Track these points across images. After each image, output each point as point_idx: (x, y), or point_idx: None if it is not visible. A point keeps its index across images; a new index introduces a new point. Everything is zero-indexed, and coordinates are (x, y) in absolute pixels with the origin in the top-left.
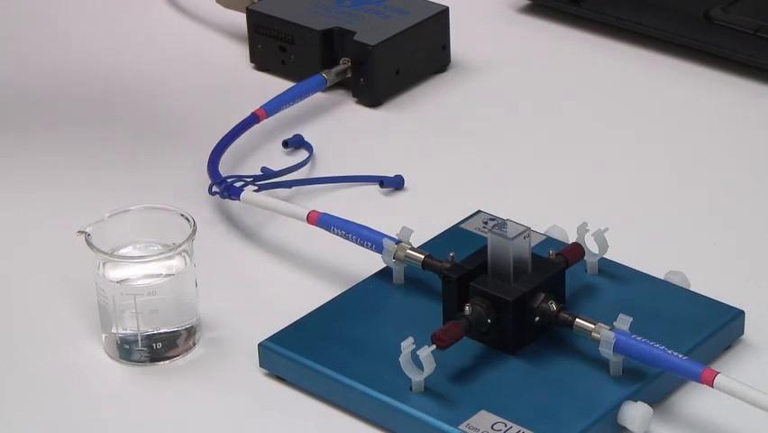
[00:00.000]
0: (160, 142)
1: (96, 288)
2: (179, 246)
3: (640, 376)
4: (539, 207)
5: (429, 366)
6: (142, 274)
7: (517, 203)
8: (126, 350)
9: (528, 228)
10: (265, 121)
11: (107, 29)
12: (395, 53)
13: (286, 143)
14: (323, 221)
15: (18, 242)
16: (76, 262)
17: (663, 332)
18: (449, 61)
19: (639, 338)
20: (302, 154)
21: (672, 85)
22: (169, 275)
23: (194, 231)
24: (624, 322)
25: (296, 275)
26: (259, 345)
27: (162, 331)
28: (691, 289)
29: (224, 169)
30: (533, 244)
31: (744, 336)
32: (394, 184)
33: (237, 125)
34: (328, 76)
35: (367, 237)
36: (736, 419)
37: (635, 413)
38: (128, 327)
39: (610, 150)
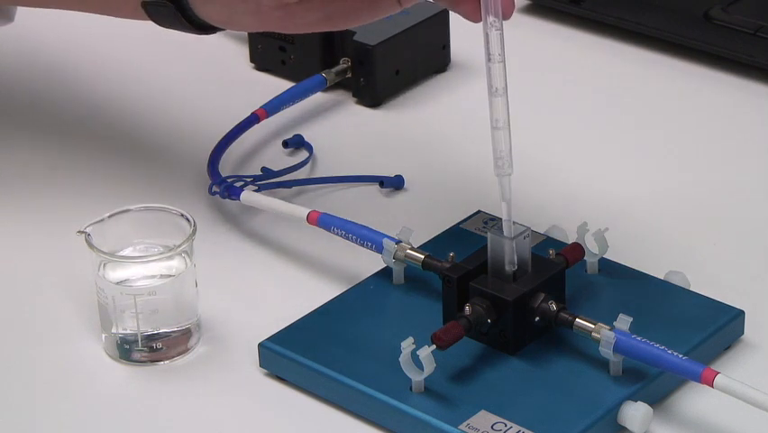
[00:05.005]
0: (160, 142)
1: (96, 288)
2: (179, 247)
3: (640, 376)
4: (539, 207)
5: (429, 366)
6: (142, 275)
7: (517, 203)
8: (126, 350)
9: (528, 228)
10: (265, 121)
11: (107, 29)
12: (395, 53)
13: (286, 143)
14: (323, 221)
15: (18, 242)
16: (76, 262)
17: (663, 332)
18: (449, 61)
19: (639, 338)
20: (302, 154)
21: (672, 85)
22: (170, 275)
23: (194, 231)
24: (624, 322)
25: (296, 275)
26: (259, 345)
27: (162, 331)
28: (691, 289)
29: (224, 169)
30: (533, 244)
31: (744, 336)
32: (394, 184)
33: (237, 125)
34: (328, 76)
35: (367, 237)
36: (736, 419)
37: (635, 413)
38: (128, 327)
39: (610, 149)
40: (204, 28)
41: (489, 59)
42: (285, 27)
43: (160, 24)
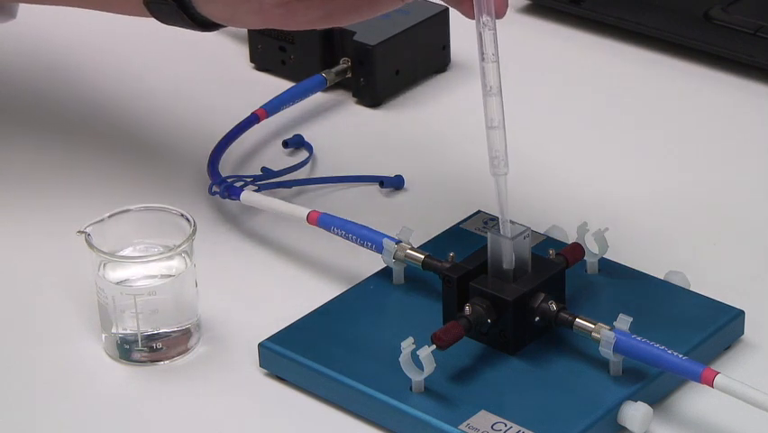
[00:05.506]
0: (160, 142)
1: (96, 288)
2: (179, 247)
3: (640, 376)
4: (539, 207)
5: (429, 366)
6: (142, 275)
7: (517, 203)
8: (126, 350)
9: (528, 228)
10: (265, 121)
11: (108, 28)
12: (395, 53)
13: (286, 143)
14: (323, 221)
15: (18, 242)
16: (76, 262)
17: (663, 332)
18: (449, 61)
19: (639, 338)
20: (302, 154)
21: (672, 85)
22: (170, 275)
23: (194, 231)
24: (624, 322)
25: (296, 275)
26: (259, 345)
27: (162, 331)
28: (691, 289)
29: (224, 169)
30: (533, 244)
31: (744, 336)
32: (394, 184)
33: (237, 125)
34: (328, 76)
35: (367, 237)
36: (736, 419)
37: (635, 413)
38: (128, 327)
39: (610, 149)
40: (206, 25)
41: (482, 59)
42: (287, 24)
43: (162, 22)
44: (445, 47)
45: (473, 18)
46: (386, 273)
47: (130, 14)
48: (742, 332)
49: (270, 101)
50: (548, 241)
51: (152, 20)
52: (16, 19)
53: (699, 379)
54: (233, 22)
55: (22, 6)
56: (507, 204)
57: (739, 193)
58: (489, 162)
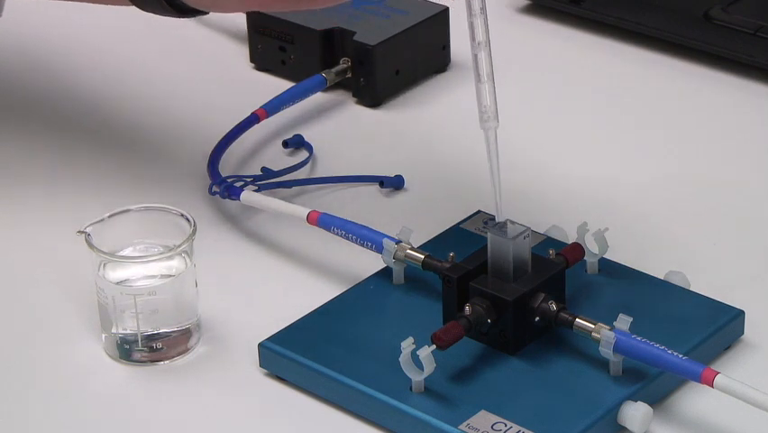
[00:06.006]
0: (160, 142)
1: (96, 288)
2: (179, 247)
3: (640, 376)
4: (539, 207)
5: (429, 366)
6: (142, 275)
7: (517, 203)
8: (126, 350)
9: (528, 228)
10: (265, 121)
11: (107, 29)
12: (395, 53)
13: (286, 143)
14: (323, 221)
15: (18, 242)
16: (76, 262)
17: (663, 332)
18: (449, 61)
19: (639, 338)
20: (302, 154)
21: (672, 85)
22: (169, 275)
23: (194, 231)
24: (624, 322)
25: (296, 275)
26: (259, 345)
27: (162, 331)
28: (691, 289)
29: (224, 169)
30: (533, 244)
31: (744, 336)
32: (394, 184)
33: (237, 125)
34: (328, 76)
35: (367, 237)
36: (736, 419)
37: (635, 413)
38: (128, 327)
39: (610, 149)
40: (185, 11)
41: (470, 14)
42: (267, 5)
43: (141, 8)
44: (445, 47)
45: None
46: (386, 273)
47: (110, 3)
48: (742, 332)
49: (270, 101)
50: (548, 241)
51: (150, 19)
52: (2, 17)
53: (699, 379)
54: (213, 6)
55: (11, 6)
56: (497, 159)
57: (739, 193)
58: (479, 117)
